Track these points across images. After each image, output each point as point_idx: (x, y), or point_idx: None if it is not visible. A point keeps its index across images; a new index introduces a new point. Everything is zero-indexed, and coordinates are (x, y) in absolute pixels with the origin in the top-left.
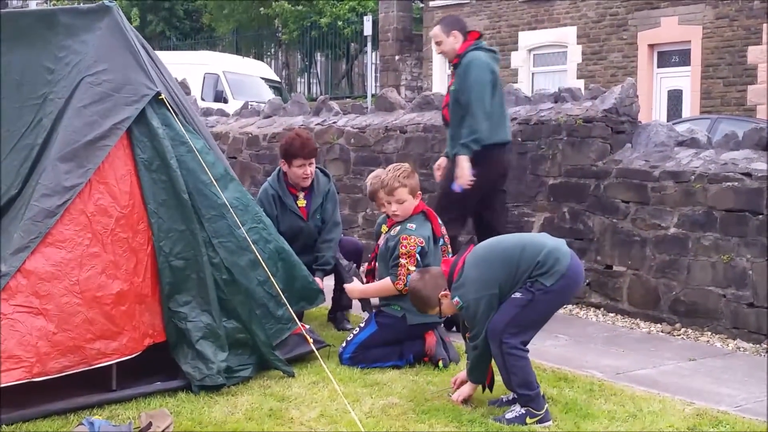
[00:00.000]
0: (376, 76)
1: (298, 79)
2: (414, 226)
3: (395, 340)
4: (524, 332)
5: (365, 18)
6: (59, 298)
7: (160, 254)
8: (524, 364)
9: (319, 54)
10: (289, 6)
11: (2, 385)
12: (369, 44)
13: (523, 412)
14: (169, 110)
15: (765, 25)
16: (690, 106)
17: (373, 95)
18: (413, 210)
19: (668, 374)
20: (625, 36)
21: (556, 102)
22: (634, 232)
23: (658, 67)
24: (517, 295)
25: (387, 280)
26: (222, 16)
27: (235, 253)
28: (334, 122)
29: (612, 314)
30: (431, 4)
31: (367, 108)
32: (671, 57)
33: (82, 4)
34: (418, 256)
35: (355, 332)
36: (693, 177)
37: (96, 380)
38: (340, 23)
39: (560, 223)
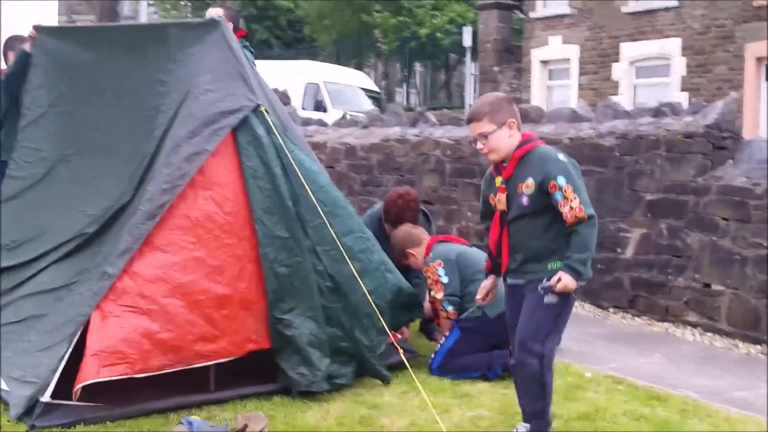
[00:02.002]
0: (474, 87)
1: (397, 89)
2: (430, 255)
3: (481, 345)
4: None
5: (465, 29)
6: (162, 300)
7: (264, 261)
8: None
9: (418, 64)
10: (391, 18)
11: (106, 379)
12: (468, 55)
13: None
14: (270, 121)
15: None
16: None
17: (470, 106)
18: (426, 250)
19: (766, 398)
20: (731, 48)
21: (655, 116)
22: (734, 251)
23: (767, 80)
24: (552, 299)
25: (441, 317)
26: (322, 27)
27: (340, 261)
28: (431, 134)
29: (709, 334)
30: (531, 15)
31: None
32: None
33: (191, 18)
34: (444, 277)
35: (441, 342)
36: None
37: (194, 382)
38: (439, 34)
39: (657, 239)
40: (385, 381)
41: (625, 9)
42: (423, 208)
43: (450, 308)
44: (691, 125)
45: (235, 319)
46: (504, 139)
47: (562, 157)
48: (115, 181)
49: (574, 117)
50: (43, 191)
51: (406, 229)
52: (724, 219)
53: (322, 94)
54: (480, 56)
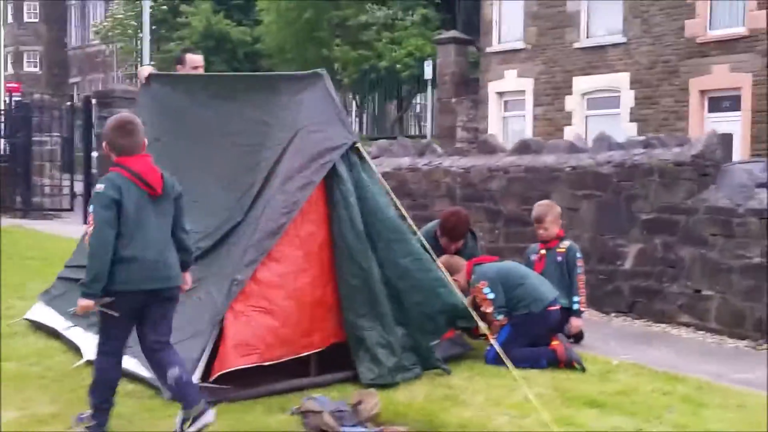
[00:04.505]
0: (431, 117)
1: (350, 119)
2: (473, 278)
3: (529, 336)
4: None
5: (426, 63)
6: (281, 302)
7: (339, 272)
8: None
9: (370, 96)
10: (351, 51)
11: (242, 367)
12: (429, 87)
13: None
14: (359, 158)
15: None
16: (740, 149)
17: (433, 136)
18: (467, 274)
19: (762, 378)
20: (676, 82)
21: (646, 147)
22: (722, 261)
23: (709, 111)
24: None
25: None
26: (284, 60)
27: (401, 279)
28: (440, 163)
29: (701, 332)
30: (488, 50)
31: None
32: (722, 102)
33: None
34: (491, 294)
35: (495, 337)
36: None
37: (293, 369)
38: (398, 66)
39: (653, 253)
40: (446, 372)
41: (577, 45)
42: (471, 228)
43: (500, 317)
44: (680, 155)
45: (324, 318)
46: None
47: (100, 189)
48: (219, 205)
49: (572, 148)
50: None
51: (445, 258)
52: (712, 235)
53: None
54: (439, 88)
